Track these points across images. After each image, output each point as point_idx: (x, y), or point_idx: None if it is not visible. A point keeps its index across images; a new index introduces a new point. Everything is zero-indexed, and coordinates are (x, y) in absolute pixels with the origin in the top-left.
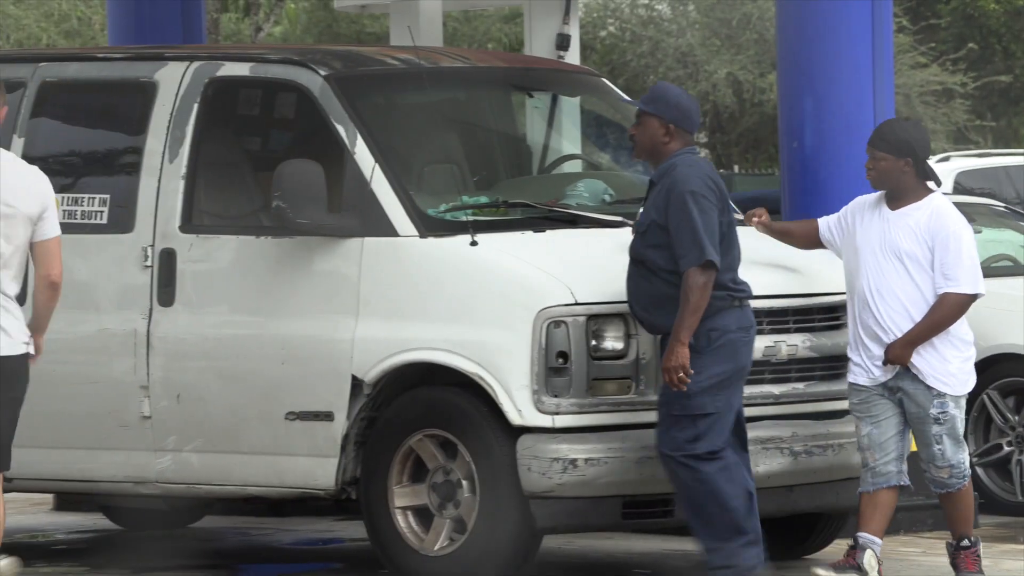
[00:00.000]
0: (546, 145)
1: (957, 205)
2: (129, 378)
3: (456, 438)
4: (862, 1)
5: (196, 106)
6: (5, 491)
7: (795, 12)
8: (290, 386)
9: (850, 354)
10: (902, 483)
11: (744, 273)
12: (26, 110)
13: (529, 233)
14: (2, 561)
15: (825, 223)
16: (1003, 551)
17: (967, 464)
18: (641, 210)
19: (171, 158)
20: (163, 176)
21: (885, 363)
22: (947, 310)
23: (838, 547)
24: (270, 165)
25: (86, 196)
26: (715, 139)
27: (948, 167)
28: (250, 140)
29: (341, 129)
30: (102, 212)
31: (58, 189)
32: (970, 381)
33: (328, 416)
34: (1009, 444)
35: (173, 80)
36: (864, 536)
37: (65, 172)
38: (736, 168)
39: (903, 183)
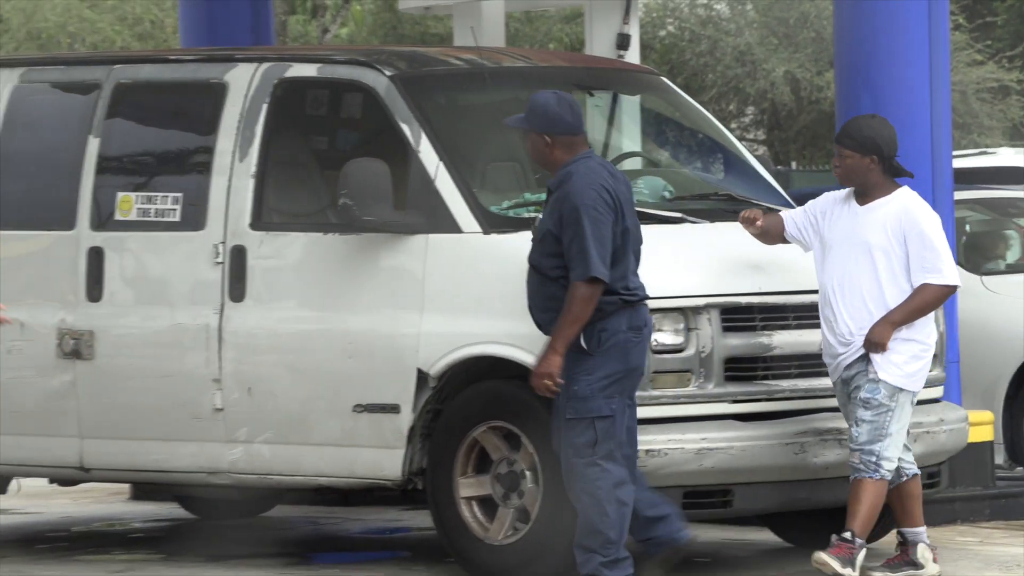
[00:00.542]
0: (606, 143)
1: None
2: (202, 371)
3: (519, 430)
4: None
5: (265, 106)
6: (84, 482)
7: (852, 11)
8: (357, 379)
9: (824, 357)
10: (907, 475)
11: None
12: (101, 111)
13: None
14: None
15: (790, 219)
16: None
17: (883, 461)
18: (539, 217)
19: (241, 157)
20: (233, 175)
21: (865, 347)
22: (928, 298)
23: (893, 538)
24: (337, 164)
25: (159, 195)
26: (773, 136)
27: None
28: (317, 139)
29: (406, 128)
30: (175, 210)
31: (132, 188)
32: (915, 381)
33: (394, 408)
34: None
35: (243, 81)
36: (909, 531)
37: (139, 171)
38: (793, 165)
39: (869, 179)
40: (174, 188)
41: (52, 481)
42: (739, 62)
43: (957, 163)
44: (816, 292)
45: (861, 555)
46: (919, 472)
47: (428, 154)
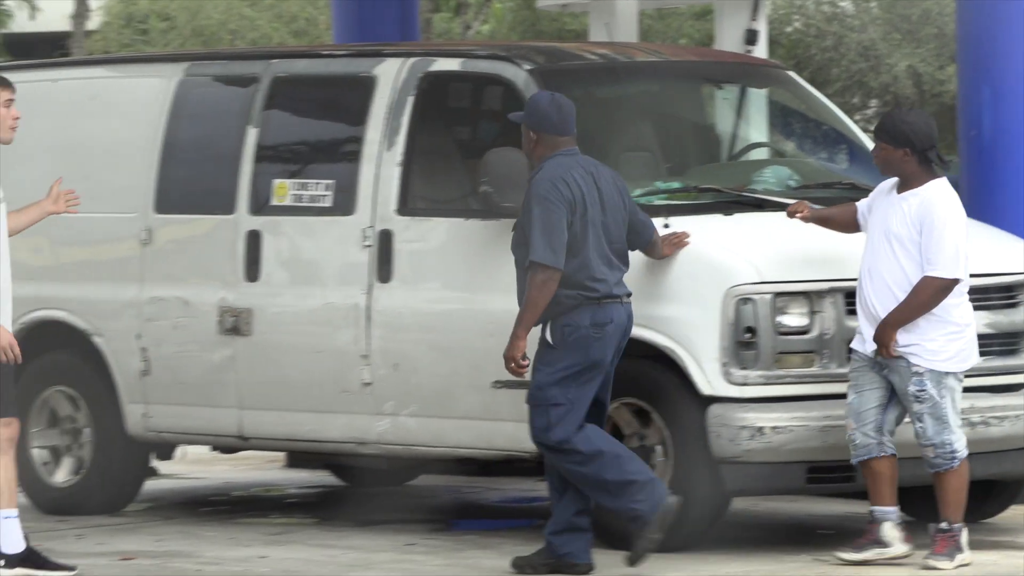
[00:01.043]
0: (735, 134)
1: None
2: (351, 348)
3: (650, 406)
4: None
5: (411, 99)
6: (243, 449)
7: (974, 6)
8: (497, 357)
9: (854, 343)
10: (884, 453)
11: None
12: (260, 103)
13: (719, 216)
14: None
15: (861, 206)
16: None
17: (955, 446)
18: None
19: (388, 146)
20: (381, 163)
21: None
22: (925, 293)
23: (1014, 512)
24: (478, 153)
25: (312, 181)
26: None
27: None
28: (460, 130)
29: None
30: (327, 196)
31: (287, 175)
32: (956, 361)
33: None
34: None
35: (390, 75)
36: (877, 510)
37: (294, 159)
38: None
39: (904, 170)
40: (326, 175)
41: (214, 449)
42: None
43: None
44: None
45: (964, 536)
46: (895, 453)
47: None
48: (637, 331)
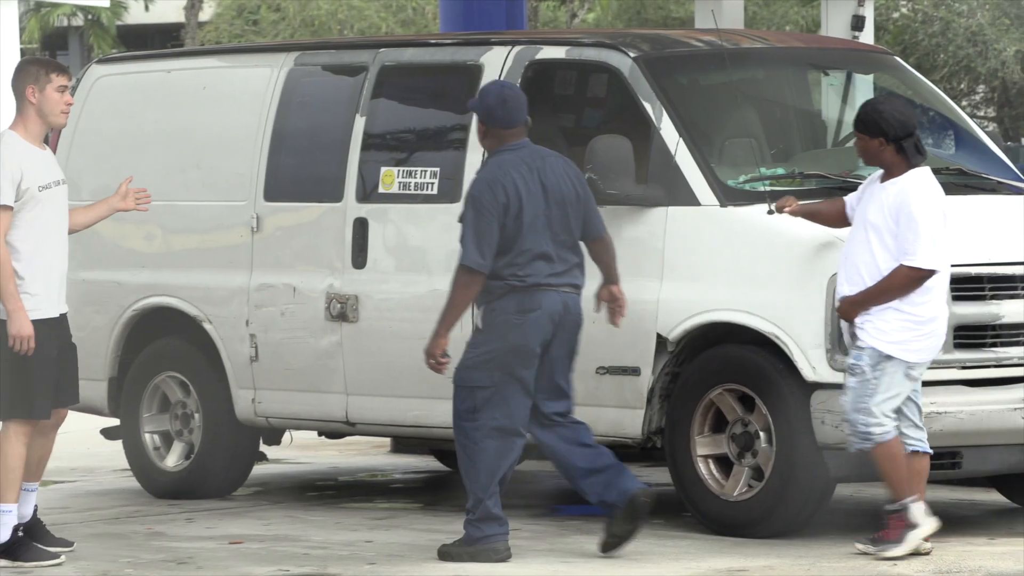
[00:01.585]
0: (840, 120)
1: None
2: (456, 334)
3: (754, 392)
4: None
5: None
6: (349, 435)
7: None
8: (600, 343)
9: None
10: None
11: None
12: (367, 91)
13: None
14: None
15: (850, 200)
16: None
17: (870, 428)
18: None
19: None
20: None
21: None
22: (899, 280)
23: None
24: (583, 140)
25: (419, 169)
26: (1003, 113)
27: None
28: (565, 117)
29: (648, 106)
30: (433, 184)
31: (394, 163)
32: (903, 349)
33: (635, 371)
34: None
35: (497, 63)
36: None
37: (400, 147)
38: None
39: (882, 160)
40: (432, 163)
41: (321, 434)
42: (970, 42)
43: None
44: (991, 264)
45: (915, 509)
46: (930, 451)
47: (668, 131)
48: (741, 317)
